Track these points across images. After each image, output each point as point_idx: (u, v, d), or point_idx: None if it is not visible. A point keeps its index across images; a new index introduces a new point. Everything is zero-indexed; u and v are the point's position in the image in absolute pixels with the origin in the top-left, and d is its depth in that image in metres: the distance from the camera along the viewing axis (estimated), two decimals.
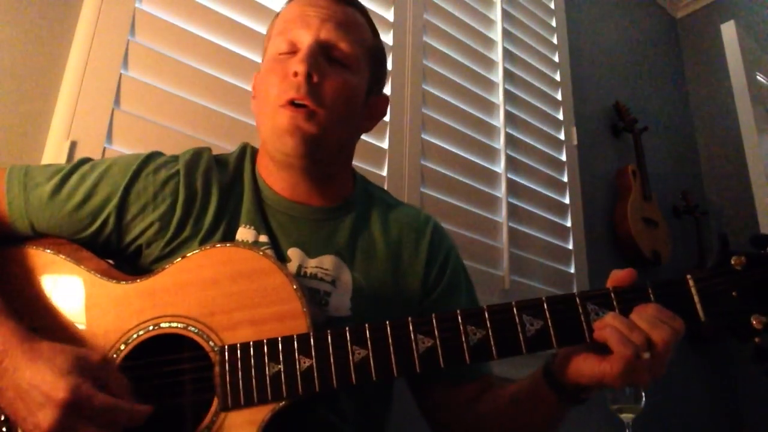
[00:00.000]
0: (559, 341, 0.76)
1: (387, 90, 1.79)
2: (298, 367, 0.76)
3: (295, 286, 0.80)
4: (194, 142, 1.35)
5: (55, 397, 0.68)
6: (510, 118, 2.18)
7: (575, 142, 2.42)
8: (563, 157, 2.36)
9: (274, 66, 0.95)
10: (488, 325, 0.77)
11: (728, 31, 2.64)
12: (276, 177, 0.99)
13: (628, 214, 2.51)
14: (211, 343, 0.79)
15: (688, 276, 0.78)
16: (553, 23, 2.55)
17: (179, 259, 0.84)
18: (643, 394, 1.43)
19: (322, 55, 0.93)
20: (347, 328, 0.78)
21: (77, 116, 1.23)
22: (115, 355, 0.80)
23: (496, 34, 2.27)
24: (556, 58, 2.49)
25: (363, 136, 1.70)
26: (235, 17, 1.54)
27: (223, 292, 0.81)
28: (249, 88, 1.49)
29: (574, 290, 2.15)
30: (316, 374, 0.76)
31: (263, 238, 0.94)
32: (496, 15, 2.29)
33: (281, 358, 0.76)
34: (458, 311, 0.78)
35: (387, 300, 0.98)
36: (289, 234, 0.96)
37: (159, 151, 0.99)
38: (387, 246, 1.02)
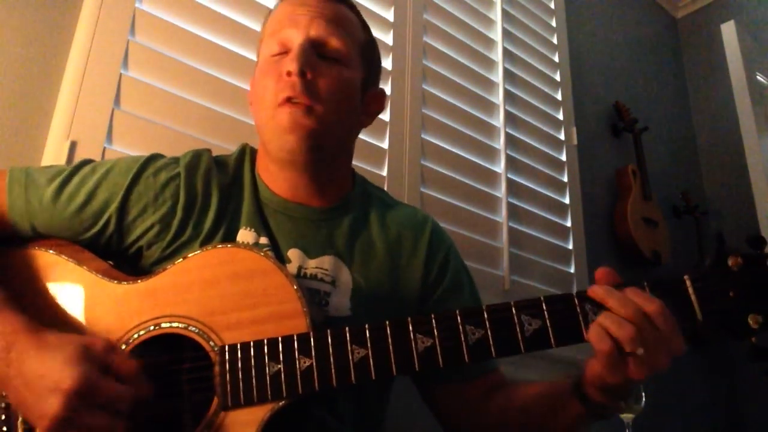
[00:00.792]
0: (557, 341, 0.77)
1: (387, 90, 1.79)
2: (297, 366, 0.76)
3: (295, 287, 0.80)
4: (194, 142, 1.35)
5: (62, 385, 0.68)
6: (510, 118, 2.18)
7: (575, 142, 2.42)
8: (563, 157, 2.36)
9: (267, 68, 0.95)
10: (487, 324, 0.77)
11: (728, 31, 2.64)
12: (276, 177, 0.99)
13: (628, 214, 2.51)
14: (211, 343, 0.79)
15: (686, 276, 0.78)
16: (553, 23, 2.55)
17: (180, 259, 0.84)
18: (643, 394, 1.44)
19: (313, 53, 0.93)
20: (347, 328, 0.78)
21: (77, 116, 1.23)
22: None
23: (496, 34, 2.27)
24: (556, 58, 2.50)
25: (363, 136, 1.70)
26: (235, 17, 1.54)
27: (224, 292, 0.81)
28: (249, 88, 1.49)
29: (574, 290, 2.15)
30: (315, 374, 0.76)
31: (263, 240, 0.94)
32: (496, 15, 2.29)
33: (281, 358, 0.77)
34: (457, 311, 0.78)
35: (386, 300, 0.98)
36: (289, 235, 0.96)
37: (159, 153, 0.99)
38: (386, 246, 1.02)
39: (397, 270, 1.01)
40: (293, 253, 0.95)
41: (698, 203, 2.95)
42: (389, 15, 1.90)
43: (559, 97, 2.44)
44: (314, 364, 0.76)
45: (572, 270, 2.20)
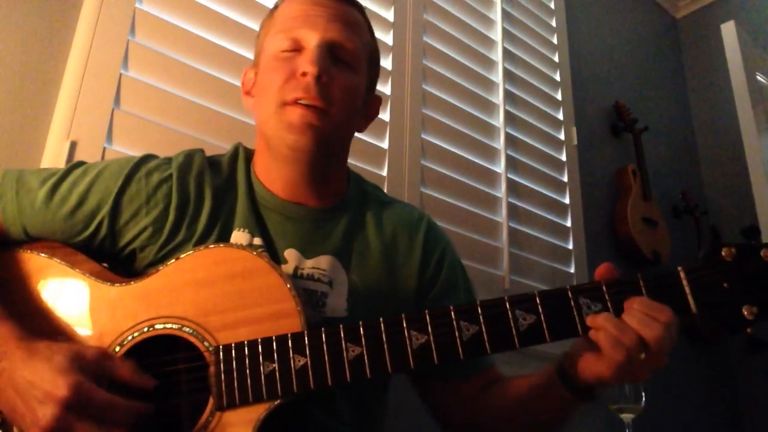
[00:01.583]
0: (551, 335, 0.77)
1: (387, 90, 1.79)
2: (292, 365, 0.76)
3: (288, 285, 0.80)
4: (194, 142, 1.36)
5: (55, 394, 0.68)
6: (510, 118, 2.19)
7: (575, 142, 2.42)
8: (563, 157, 2.36)
9: (276, 64, 0.94)
10: (481, 320, 0.77)
11: (728, 31, 2.64)
12: (273, 175, 0.98)
13: (628, 214, 2.51)
14: (205, 344, 0.79)
15: (679, 268, 0.78)
16: (553, 23, 2.55)
17: (173, 260, 0.84)
18: (643, 394, 1.43)
19: (328, 55, 0.93)
20: (341, 326, 0.78)
21: (77, 116, 1.23)
22: None
23: (496, 34, 2.27)
24: (556, 58, 2.50)
25: (363, 136, 1.71)
26: (236, 17, 1.54)
27: (218, 292, 0.81)
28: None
29: None
30: (310, 372, 0.76)
31: (257, 241, 0.94)
32: (496, 15, 2.29)
33: (276, 357, 0.77)
34: (451, 307, 0.78)
35: (383, 299, 0.98)
36: (285, 235, 0.96)
37: (152, 154, 0.98)
38: (381, 244, 1.02)
39: (394, 269, 1.01)
40: (290, 254, 0.95)
41: (698, 203, 2.95)
42: (389, 15, 1.90)
43: (559, 97, 2.44)
44: (309, 362, 0.76)
45: (572, 270, 2.20)
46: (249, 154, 1.04)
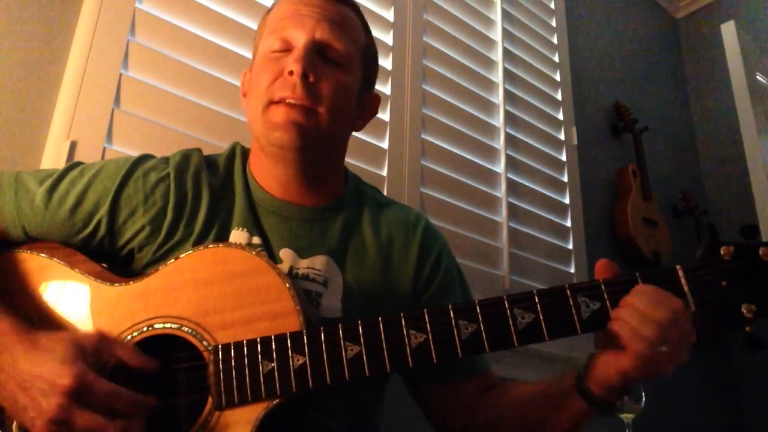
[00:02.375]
0: (550, 334, 0.77)
1: (387, 90, 1.79)
2: (291, 364, 0.76)
3: (287, 285, 0.80)
4: (194, 142, 1.36)
5: (59, 384, 0.68)
6: (510, 118, 2.19)
7: (575, 142, 2.42)
8: (563, 157, 2.36)
9: (266, 63, 0.95)
10: (479, 319, 0.77)
11: (728, 31, 2.64)
12: (268, 175, 0.98)
13: (628, 214, 2.51)
14: (204, 343, 0.79)
15: (678, 266, 0.78)
16: (553, 23, 2.55)
17: (172, 260, 0.84)
18: (643, 394, 1.43)
19: (316, 55, 0.93)
20: (339, 325, 0.78)
21: (77, 116, 1.23)
22: None
23: (496, 34, 2.27)
24: (556, 58, 2.50)
25: (363, 136, 1.71)
26: (235, 17, 1.54)
27: (216, 292, 0.81)
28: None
29: None
30: (309, 371, 0.76)
31: (256, 240, 0.94)
32: (496, 15, 2.29)
33: (274, 356, 0.77)
34: (450, 306, 0.78)
35: (378, 300, 0.98)
36: (281, 235, 0.96)
37: (149, 154, 0.99)
38: (378, 245, 1.02)
39: (389, 270, 1.01)
40: (285, 253, 0.95)
41: (698, 203, 2.95)
42: (389, 15, 1.90)
43: (559, 97, 2.44)
44: (308, 361, 0.76)
45: (572, 270, 2.20)
46: (246, 153, 1.04)
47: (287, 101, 0.90)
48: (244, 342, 0.78)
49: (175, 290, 0.82)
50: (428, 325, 0.77)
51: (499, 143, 2.12)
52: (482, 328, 0.77)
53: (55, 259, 0.86)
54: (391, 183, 1.73)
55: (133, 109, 1.32)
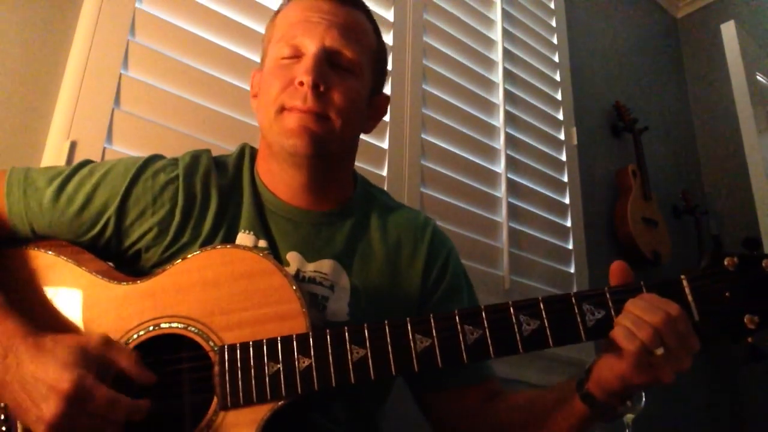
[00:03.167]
0: (555, 341, 0.77)
1: (387, 90, 1.79)
2: (297, 366, 0.76)
3: (294, 287, 0.80)
4: (194, 142, 1.35)
5: (59, 388, 0.69)
6: (510, 118, 2.18)
7: (575, 142, 2.42)
8: (563, 157, 2.36)
9: (276, 71, 0.94)
10: (485, 324, 0.78)
11: (728, 31, 2.64)
12: (277, 179, 0.98)
13: (628, 214, 2.51)
14: (210, 343, 0.79)
15: (682, 276, 0.79)
16: (553, 23, 2.55)
17: (180, 260, 0.84)
18: (643, 393, 1.43)
19: (327, 63, 0.92)
20: (346, 328, 0.78)
21: (77, 116, 1.23)
22: None
23: (496, 34, 2.27)
24: (556, 58, 2.50)
25: (363, 136, 1.70)
26: (235, 17, 1.54)
27: (223, 292, 0.81)
28: (249, 88, 1.49)
29: (574, 290, 2.15)
30: (315, 374, 0.76)
31: (262, 243, 0.94)
32: (496, 15, 2.29)
33: (280, 358, 0.77)
34: (456, 311, 0.79)
35: (385, 304, 0.97)
36: (288, 238, 0.96)
37: (158, 155, 0.98)
38: (385, 249, 1.01)
39: (397, 274, 1.01)
40: (292, 257, 0.95)
41: (698, 203, 2.95)
42: (389, 15, 1.90)
43: (559, 97, 2.44)
44: (313, 363, 0.77)
45: (572, 270, 2.20)
46: (254, 155, 1.04)
47: (299, 110, 0.90)
48: (250, 343, 0.78)
49: (183, 290, 0.82)
50: (434, 330, 0.78)
51: (499, 143, 2.12)
52: (488, 333, 0.77)
53: (63, 257, 0.87)
54: (391, 183, 1.72)
55: (133, 109, 1.32)
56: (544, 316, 0.78)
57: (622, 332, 0.74)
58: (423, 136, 1.87)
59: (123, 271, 0.89)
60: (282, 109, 0.91)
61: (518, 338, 0.77)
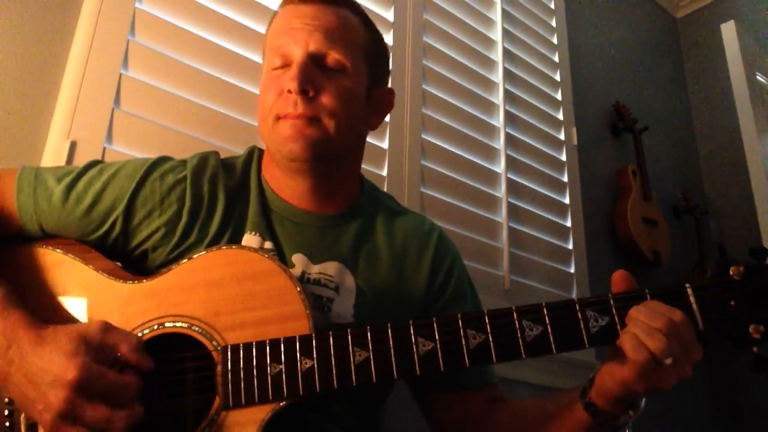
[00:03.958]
0: (557, 347, 0.77)
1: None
2: (299, 367, 0.77)
3: (298, 289, 0.81)
4: (194, 142, 1.35)
5: (65, 377, 0.69)
6: (510, 118, 2.18)
7: (575, 142, 2.42)
8: (563, 157, 2.36)
9: (269, 83, 0.96)
10: (488, 329, 0.78)
11: (728, 31, 2.64)
12: (282, 184, 0.99)
13: (628, 214, 2.51)
14: (214, 343, 0.80)
15: (687, 285, 0.79)
16: (553, 23, 2.55)
17: (185, 260, 0.85)
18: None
19: (314, 67, 0.93)
20: (348, 330, 0.78)
21: (77, 116, 1.23)
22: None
23: (496, 34, 2.27)
24: (556, 58, 2.50)
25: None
26: (235, 17, 1.54)
27: (228, 293, 0.82)
28: (249, 88, 1.49)
29: (574, 290, 2.15)
30: (317, 375, 0.76)
31: (268, 245, 0.94)
32: (496, 15, 2.29)
33: (283, 359, 0.77)
34: (459, 315, 0.79)
35: (390, 307, 0.98)
36: (294, 240, 0.96)
37: (167, 156, 0.99)
38: (391, 253, 1.02)
39: (402, 278, 1.01)
40: (297, 258, 0.95)
41: (698, 203, 2.95)
42: (389, 15, 1.90)
43: (559, 97, 2.44)
44: (315, 365, 0.77)
45: (572, 270, 2.20)
46: (262, 158, 1.04)
47: (292, 116, 0.91)
48: (254, 343, 0.78)
49: (187, 290, 0.83)
50: (437, 334, 0.78)
51: (499, 143, 2.12)
52: (490, 338, 0.78)
53: (70, 255, 0.87)
54: (391, 183, 1.72)
55: (133, 109, 1.32)
56: (548, 321, 0.77)
57: (632, 342, 0.73)
58: (423, 136, 1.87)
59: (130, 270, 0.90)
60: (277, 118, 0.92)
61: (521, 343, 0.77)
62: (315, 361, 0.77)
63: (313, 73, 0.92)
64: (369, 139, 1.69)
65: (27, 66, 1.23)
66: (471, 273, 1.13)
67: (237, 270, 0.82)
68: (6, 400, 0.77)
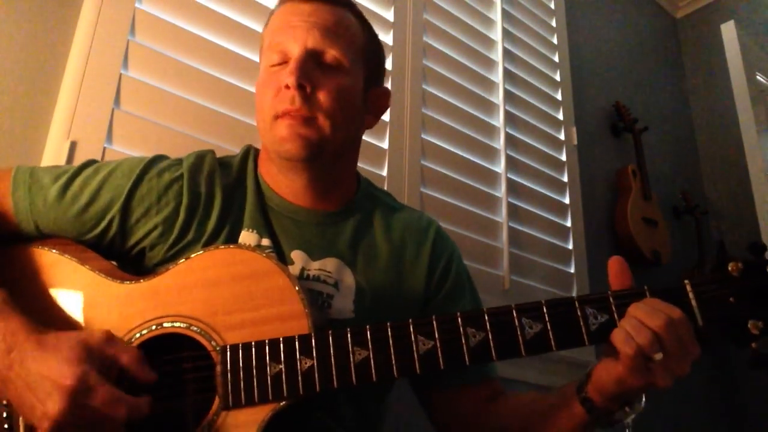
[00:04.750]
0: (557, 344, 0.77)
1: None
2: (299, 367, 0.77)
3: (297, 288, 0.80)
4: (194, 142, 1.35)
5: (63, 384, 0.69)
6: (510, 118, 2.18)
7: (575, 142, 2.42)
8: (563, 157, 2.36)
9: (267, 79, 0.96)
10: (488, 327, 0.78)
11: (728, 31, 2.64)
12: (279, 181, 0.99)
13: (628, 214, 2.51)
14: (213, 343, 0.79)
15: (686, 281, 0.79)
16: (553, 23, 2.55)
17: (183, 260, 0.85)
18: (643, 394, 1.43)
19: (312, 63, 0.93)
20: (348, 329, 0.78)
21: (77, 116, 1.23)
22: None
23: (496, 34, 2.27)
24: (556, 58, 2.50)
25: (363, 136, 1.70)
26: (235, 17, 1.54)
27: (226, 292, 0.81)
28: (249, 88, 1.49)
29: (574, 290, 2.15)
30: (317, 374, 0.76)
31: (266, 242, 0.95)
32: (496, 15, 2.29)
33: (282, 359, 0.77)
34: (458, 313, 0.79)
35: (389, 303, 0.98)
36: (292, 237, 0.97)
37: (163, 155, 0.99)
38: (389, 249, 1.02)
39: (401, 274, 1.01)
40: (296, 255, 0.95)
41: (698, 203, 2.95)
42: (389, 15, 1.90)
43: (559, 97, 2.44)
44: (315, 364, 0.77)
45: (572, 270, 2.20)
46: (258, 156, 1.05)
47: (288, 113, 0.91)
48: (253, 343, 0.78)
49: (186, 290, 0.83)
50: (436, 332, 0.78)
51: (499, 143, 2.12)
52: (490, 336, 0.78)
53: (67, 256, 0.87)
54: (391, 183, 1.72)
55: (133, 109, 1.32)
56: (547, 319, 0.78)
57: (621, 336, 0.74)
58: (423, 136, 1.87)
59: (127, 270, 0.90)
60: (276, 117, 0.92)
61: (521, 341, 0.77)
62: (315, 361, 0.77)
63: (311, 69, 0.92)
64: (369, 139, 1.70)
65: (27, 66, 1.23)
66: (471, 273, 1.13)
67: (235, 269, 0.82)
68: (4, 402, 0.77)
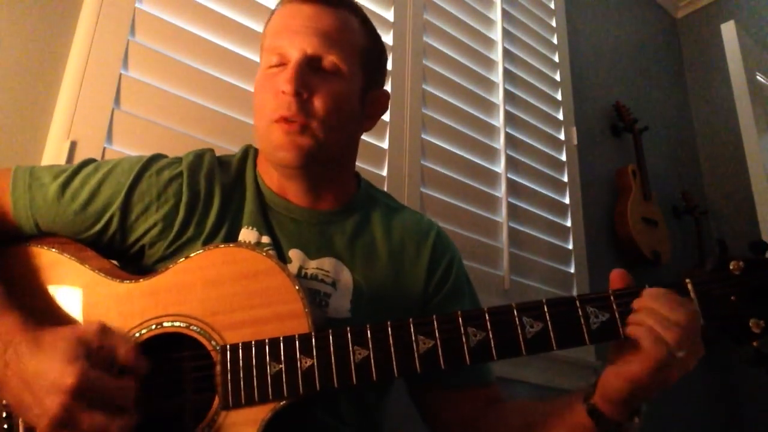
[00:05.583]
0: (558, 343, 0.77)
1: (387, 89, 1.79)
2: (299, 366, 0.76)
3: (297, 287, 0.80)
4: (194, 142, 1.35)
5: (62, 383, 0.68)
6: (510, 118, 2.18)
7: (575, 142, 2.42)
8: (563, 157, 2.36)
9: (265, 81, 0.96)
10: (488, 326, 0.78)
11: (728, 31, 2.64)
12: (277, 183, 1.00)
13: (628, 214, 2.51)
14: (213, 343, 0.79)
15: (687, 280, 0.79)
16: (553, 23, 2.55)
17: (182, 259, 0.85)
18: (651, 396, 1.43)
19: (309, 68, 0.93)
20: (348, 328, 0.78)
21: (77, 116, 1.23)
22: None
23: (496, 34, 2.27)
24: (556, 58, 2.50)
25: (363, 136, 1.70)
26: (235, 17, 1.54)
27: (226, 292, 0.81)
28: (249, 88, 1.49)
29: (574, 290, 2.15)
30: (317, 374, 0.76)
31: (265, 239, 0.95)
32: (496, 15, 2.29)
33: (282, 358, 0.77)
34: (458, 312, 0.79)
35: (387, 303, 0.98)
36: (291, 235, 0.97)
37: (161, 153, 1.00)
38: (388, 249, 1.02)
39: (400, 275, 1.01)
40: (294, 253, 0.95)
41: (698, 203, 2.95)
42: (389, 15, 1.90)
43: (559, 97, 2.44)
44: (315, 364, 0.76)
45: (572, 270, 2.20)
46: (257, 156, 1.05)
47: (285, 118, 0.91)
48: (253, 343, 0.78)
49: (185, 289, 0.82)
50: (437, 331, 0.78)
51: (499, 143, 2.12)
52: (490, 335, 0.77)
53: (66, 255, 0.87)
54: (391, 183, 1.72)
55: (133, 109, 1.32)
56: (548, 318, 0.77)
57: (644, 332, 0.72)
58: (423, 136, 1.87)
59: (126, 268, 0.90)
60: (272, 122, 0.92)
61: (521, 340, 0.77)
62: (315, 360, 0.77)
63: (308, 76, 0.92)
64: (369, 139, 1.70)
65: (27, 66, 1.23)
66: (471, 273, 1.13)
67: (235, 268, 0.82)
68: (3, 402, 0.76)
